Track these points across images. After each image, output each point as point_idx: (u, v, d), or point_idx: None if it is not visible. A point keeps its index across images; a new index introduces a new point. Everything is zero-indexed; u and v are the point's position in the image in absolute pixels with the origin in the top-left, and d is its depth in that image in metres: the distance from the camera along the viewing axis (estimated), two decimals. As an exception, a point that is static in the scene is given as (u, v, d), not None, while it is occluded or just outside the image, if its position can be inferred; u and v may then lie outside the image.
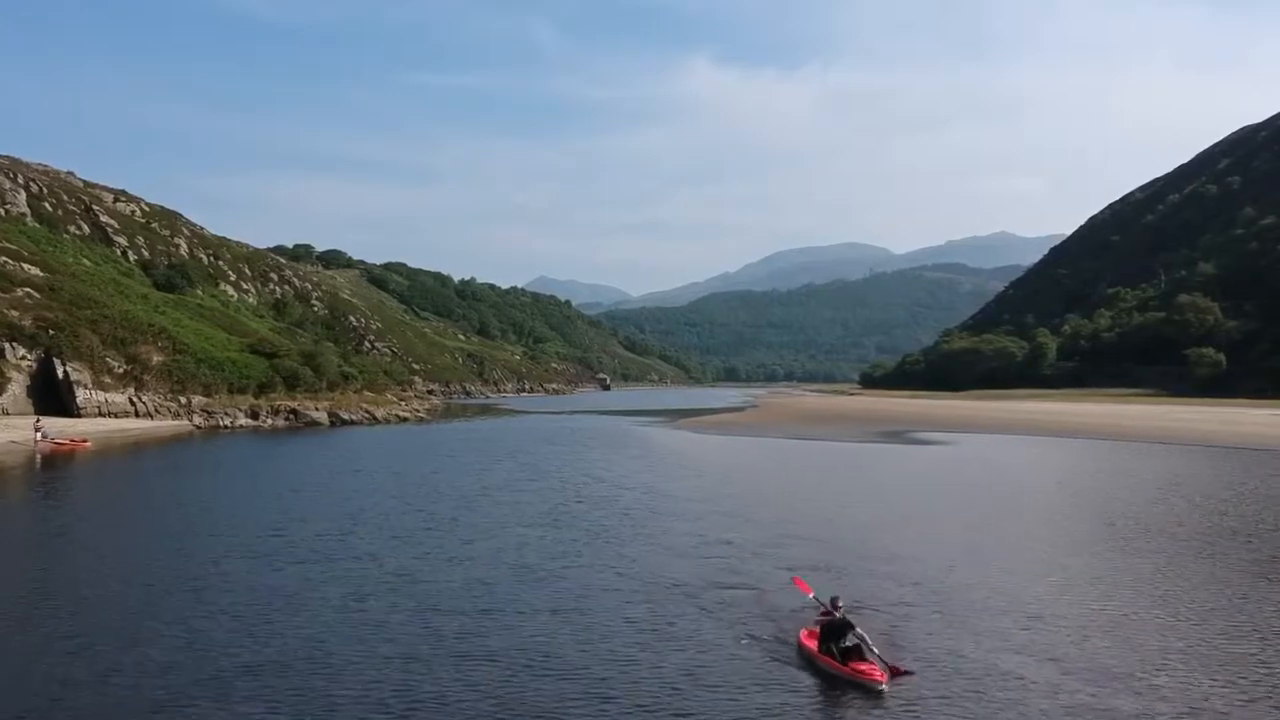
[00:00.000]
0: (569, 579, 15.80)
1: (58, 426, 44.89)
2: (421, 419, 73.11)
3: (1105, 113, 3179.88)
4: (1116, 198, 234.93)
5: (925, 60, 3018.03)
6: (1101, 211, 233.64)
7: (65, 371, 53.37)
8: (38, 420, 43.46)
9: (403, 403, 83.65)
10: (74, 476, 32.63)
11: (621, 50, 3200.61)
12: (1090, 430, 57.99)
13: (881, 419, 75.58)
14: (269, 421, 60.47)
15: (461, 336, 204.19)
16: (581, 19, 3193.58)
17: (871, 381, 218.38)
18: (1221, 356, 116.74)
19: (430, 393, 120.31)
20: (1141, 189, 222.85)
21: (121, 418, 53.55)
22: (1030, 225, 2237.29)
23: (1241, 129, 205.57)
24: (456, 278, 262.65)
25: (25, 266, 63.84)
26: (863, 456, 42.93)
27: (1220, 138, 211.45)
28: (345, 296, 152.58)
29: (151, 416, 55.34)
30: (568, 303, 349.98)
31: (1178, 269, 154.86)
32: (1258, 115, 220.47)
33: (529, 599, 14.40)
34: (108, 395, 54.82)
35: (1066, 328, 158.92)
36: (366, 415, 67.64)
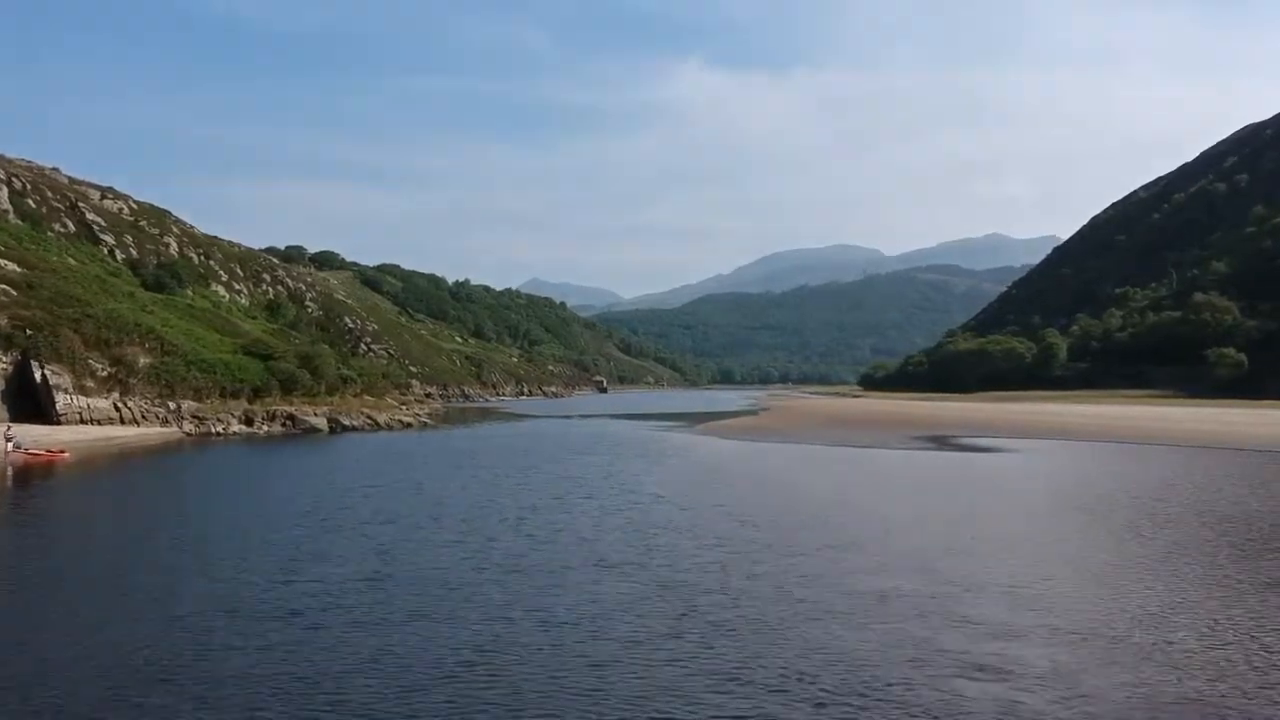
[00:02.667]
0: (716, 658, 11.37)
1: (33, 435, 40.69)
2: (425, 424, 69.06)
3: (1100, 115, 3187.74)
4: (1115, 198, 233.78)
5: (917, 64, 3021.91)
6: (1104, 211, 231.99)
7: (44, 375, 49.11)
8: (8, 428, 39.24)
9: (404, 406, 79.76)
10: (45, 495, 28.45)
11: (615, 55, 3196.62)
12: (1157, 436, 54.05)
13: (910, 422, 71.94)
14: (264, 428, 56.41)
15: (458, 339, 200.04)
16: (575, 24, 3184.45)
17: (872, 383, 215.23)
18: (1243, 357, 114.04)
19: (429, 395, 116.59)
20: (1145, 188, 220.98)
21: (105, 425, 49.34)
22: (1023, 227, 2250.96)
23: (1246, 127, 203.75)
24: (450, 280, 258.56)
25: (1, 262, 59.47)
26: (928, 467, 38.93)
27: (1221, 137, 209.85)
28: (340, 298, 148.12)
29: (138, 423, 51.17)
30: (563, 305, 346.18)
31: (1188, 268, 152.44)
32: (1258, 115, 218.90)
33: (678, 704, 9.96)
34: (90, 400, 50.55)
35: (1076, 328, 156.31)
36: (368, 421, 63.64)
